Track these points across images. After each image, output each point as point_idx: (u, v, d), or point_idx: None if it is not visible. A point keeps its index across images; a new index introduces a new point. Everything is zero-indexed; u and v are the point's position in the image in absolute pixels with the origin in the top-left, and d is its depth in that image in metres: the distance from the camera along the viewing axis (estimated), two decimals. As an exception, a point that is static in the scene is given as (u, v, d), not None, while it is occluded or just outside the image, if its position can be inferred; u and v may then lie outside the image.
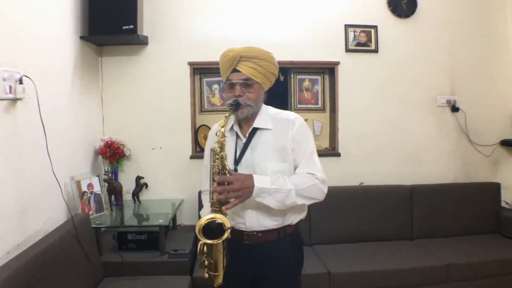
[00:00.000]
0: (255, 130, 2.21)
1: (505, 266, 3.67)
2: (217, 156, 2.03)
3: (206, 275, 2.09)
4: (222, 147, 2.03)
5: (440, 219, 4.23)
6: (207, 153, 2.34)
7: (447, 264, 3.58)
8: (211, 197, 2.05)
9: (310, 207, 4.01)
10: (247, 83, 2.13)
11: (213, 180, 2.02)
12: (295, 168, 2.21)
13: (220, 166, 2.02)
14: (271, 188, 2.03)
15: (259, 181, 2.03)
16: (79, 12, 3.65)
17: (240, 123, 2.25)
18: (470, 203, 4.30)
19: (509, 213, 4.37)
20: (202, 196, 2.40)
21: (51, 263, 2.46)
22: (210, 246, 1.99)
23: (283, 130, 2.20)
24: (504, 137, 4.65)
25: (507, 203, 4.59)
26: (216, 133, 2.07)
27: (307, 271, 3.40)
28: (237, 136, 2.24)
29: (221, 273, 2.07)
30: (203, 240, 1.95)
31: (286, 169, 2.18)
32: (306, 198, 2.14)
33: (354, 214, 4.11)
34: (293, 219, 2.24)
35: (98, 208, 3.55)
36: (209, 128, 3.22)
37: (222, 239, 1.95)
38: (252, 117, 2.20)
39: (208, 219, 1.98)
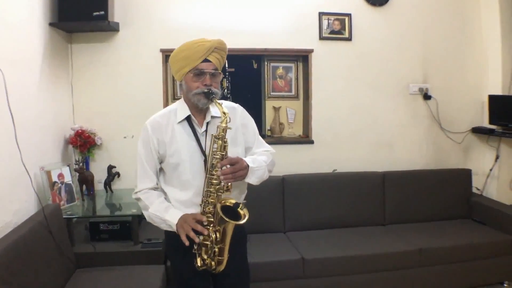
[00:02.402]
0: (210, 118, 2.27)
1: (476, 250, 3.75)
2: (220, 142, 2.09)
3: (213, 263, 2.14)
4: (225, 132, 2.10)
5: (412, 204, 4.30)
6: (142, 148, 2.30)
7: (419, 248, 3.63)
8: (210, 183, 2.11)
9: (285, 194, 4.06)
10: (214, 73, 2.19)
11: (214, 166, 2.09)
12: (247, 149, 2.38)
13: (224, 152, 2.10)
14: (255, 167, 2.18)
15: (247, 161, 2.16)
16: (48, -3, 3.56)
17: (193, 113, 2.26)
18: (441, 189, 4.38)
19: (479, 198, 4.47)
20: (142, 196, 2.28)
21: (22, 256, 2.42)
22: (224, 231, 2.10)
23: (231, 117, 2.26)
24: (475, 124, 4.73)
25: (478, 189, 4.69)
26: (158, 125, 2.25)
27: (281, 257, 3.46)
28: (192, 126, 2.25)
29: (226, 256, 2.16)
30: (232, 222, 2.05)
31: (240, 152, 2.31)
32: (270, 172, 2.34)
33: (327, 200, 4.14)
34: (243, 197, 2.41)
35: (69, 199, 3.50)
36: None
37: (245, 219, 2.08)
38: (206, 107, 2.24)
39: (230, 203, 2.13)
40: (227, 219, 2.02)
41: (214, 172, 2.08)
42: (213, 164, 2.09)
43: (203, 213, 2.13)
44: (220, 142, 2.08)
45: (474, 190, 4.60)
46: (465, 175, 4.52)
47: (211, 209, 2.11)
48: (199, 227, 2.05)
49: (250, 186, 2.34)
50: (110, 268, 3.13)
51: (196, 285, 2.32)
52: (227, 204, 2.11)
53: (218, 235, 2.09)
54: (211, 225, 2.10)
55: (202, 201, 2.15)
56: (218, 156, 2.08)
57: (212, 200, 2.10)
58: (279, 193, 4.08)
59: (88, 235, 3.44)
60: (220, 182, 2.08)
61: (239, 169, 2.07)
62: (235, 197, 2.28)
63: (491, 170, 4.61)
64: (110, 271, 3.08)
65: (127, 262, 3.20)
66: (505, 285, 3.90)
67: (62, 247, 2.92)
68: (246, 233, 2.51)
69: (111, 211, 3.73)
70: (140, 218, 3.42)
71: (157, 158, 2.28)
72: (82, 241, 3.42)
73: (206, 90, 2.13)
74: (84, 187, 3.77)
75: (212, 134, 2.13)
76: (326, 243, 3.74)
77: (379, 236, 3.92)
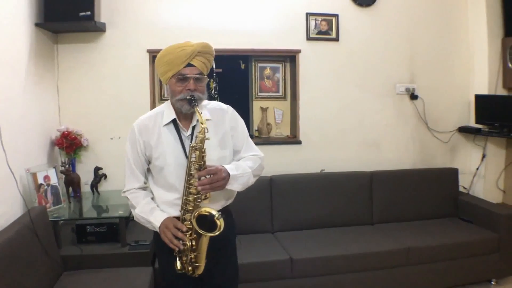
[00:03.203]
0: (196, 121, 2.25)
1: (463, 248, 3.78)
2: (198, 153, 2.07)
3: (190, 268, 2.16)
4: (203, 142, 2.08)
5: (399, 204, 4.32)
6: (129, 149, 2.31)
7: (406, 247, 3.65)
8: (188, 192, 2.11)
9: (272, 194, 4.06)
10: (199, 77, 2.17)
11: (192, 176, 2.09)
12: (235, 152, 2.37)
13: (202, 162, 2.08)
14: (237, 174, 2.18)
15: (229, 169, 2.15)
16: (34, -3, 3.52)
17: (179, 117, 2.26)
18: (428, 188, 4.41)
19: (466, 197, 4.50)
20: (130, 196, 2.33)
21: (8, 259, 2.38)
22: (199, 239, 2.10)
23: (220, 119, 2.31)
24: (462, 124, 4.77)
25: (464, 188, 4.73)
26: (139, 130, 2.26)
27: (269, 258, 3.46)
28: (178, 129, 2.25)
29: (203, 263, 2.16)
30: (206, 234, 2.06)
31: (227, 155, 2.32)
32: (257, 176, 2.34)
33: (315, 200, 4.15)
34: (232, 199, 2.42)
35: (56, 201, 3.47)
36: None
37: (220, 230, 2.07)
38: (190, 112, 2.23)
39: (205, 212, 2.12)
40: (200, 231, 2.05)
41: (192, 182, 2.09)
42: (191, 174, 2.09)
43: (183, 220, 2.14)
44: (198, 152, 2.07)
45: (461, 189, 4.64)
46: (452, 174, 4.56)
47: (189, 217, 2.12)
48: (179, 234, 2.09)
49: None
50: (97, 270, 3.10)
51: (184, 285, 2.32)
52: (203, 213, 2.11)
53: (193, 243, 2.11)
54: (189, 232, 2.11)
55: (181, 208, 2.16)
56: (196, 167, 2.07)
57: (190, 208, 2.11)
58: (267, 193, 4.08)
59: (74, 238, 3.41)
60: (199, 191, 2.08)
61: (216, 180, 2.07)
62: (221, 203, 2.31)
63: (477, 169, 4.65)
64: (97, 274, 3.05)
65: (114, 264, 3.17)
66: (493, 283, 3.94)
67: (48, 250, 2.89)
68: (235, 234, 2.51)
69: (98, 213, 3.69)
70: (127, 220, 3.40)
71: (144, 160, 2.30)
72: (69, 243, 3.38)
73: (188, 97, 2.12)
74: (70, 189, 3.73)
75: (190, 145, 2.13)
76: (314, 243, 3.74)
77: (367, 235, 3.93)
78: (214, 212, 2.11)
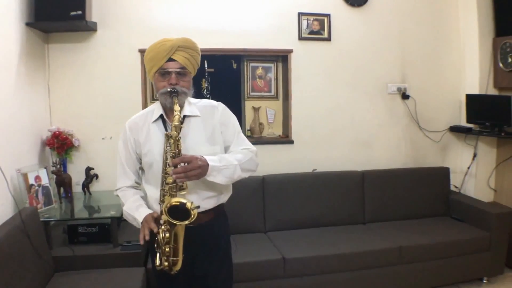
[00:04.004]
0: (184, 118, 2.25)
1: (454, 247, 3.80)
2: (172, 141, 2.05)
3: (166, 263, 2.11)
4: (178, 131, 2.06)
5: (391, 203, 4.33)
6: (121, 147, 2.34)
7: (398, 246, 3.67)
8: (164, 182, 2.10)
9: (265, 194, 4.06)
10: (182, 72, 2.18)
11: (168, 165, 2.06)
12: (226, 148, 2.35)
13: (177, 151, 2.06)
14: (220, 166, 2.14)
15: (210, 160, 2.11)
16: (24, -3, 3.50)
17: (166, 112, 2.26)
18: (420, 187, 4.43)
19: (458, 196, 4.53)
20: (120, 194, 2.35)
21: (-1, 260, 2.37)
22: (175, 231, 2.05)
23: (209, 116, 2.31)
24: (453, 123, 4.78)
25: (456, 187, 4.74)
26: (129, 126, 2.30)
27: (262, 257, 3.45)
28: (165, 125, 2.25)
29: (181, 257, 2.12)
30: (177, 222, 2.00)
31: (217, 151, 2.28)
32: (247, 171, 2.28)
33: (307, 200, 4.15)
34: (225, 197, 2.38)
35: (47, 201, 3.45)
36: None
37: (192, 219, 2.00)
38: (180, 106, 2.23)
39: (176, 202, 2.04)
40: (172, 221, 2.00)
41: (168, 171, 2.07)
42: (167, 163, 2.08)
43: (161, 212, 2.10)
44: (172, 140, 2.05)
45: (452, 188, 4.67)
46: (443, 173, 4.58)
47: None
48: (152, 225, 2.04)
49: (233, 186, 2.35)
50: (89, 271, 3.09)
51: (177, 286, 2.31)
52: (174, 204, 2.04)
53: (167, 235, 2.05)
54: (164, 223, 2.06)
55: (160, 200, 2.14)
56: (170, 155, 2.06)
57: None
58: (260, 193, 4.08)
59: (66, 238, 3.39)
60: (175, 180, 2.05)
61: (191, 168, 2.02)
62: (211, 201, 2.29)
63: (468, 168, 4.67)
64: (89, 275, 3.04)
65: (106, 265, 3.16)
66: (484, 281, 3.97)
67: (39, 251, 2.87)
68: (230, 235, 2.50)
69: (90, 213, 3.67)
70: (119, 220, 3.38)
71: (135, 158, 2.32)
72: (60, 244, 3.36)
73: (169, 89, 2.13)
74: (61, 189, 3.71)
75: (165, 133, 2.13)
76: (307, 242, 3.75)
77: (359, 234, 3.94)
78: (184, 201, 2.04)
